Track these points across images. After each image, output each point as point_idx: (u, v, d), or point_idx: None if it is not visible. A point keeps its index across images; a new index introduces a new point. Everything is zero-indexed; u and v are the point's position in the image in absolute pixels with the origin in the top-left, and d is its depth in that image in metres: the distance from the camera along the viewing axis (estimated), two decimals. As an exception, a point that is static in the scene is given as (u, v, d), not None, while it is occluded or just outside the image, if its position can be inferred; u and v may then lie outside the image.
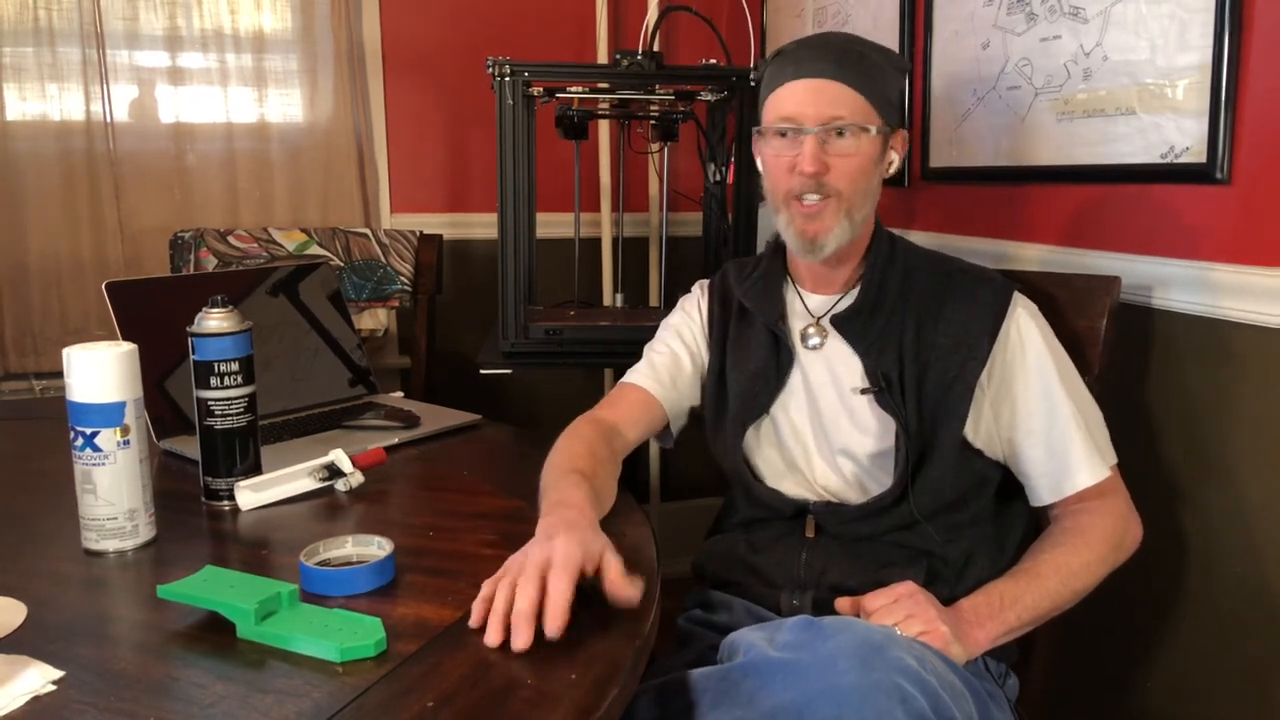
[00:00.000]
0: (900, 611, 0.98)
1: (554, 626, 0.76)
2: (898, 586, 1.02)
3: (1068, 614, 1.07)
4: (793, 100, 1.14)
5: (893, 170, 1.20)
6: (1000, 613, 1.01)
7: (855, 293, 1.19)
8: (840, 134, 1.12)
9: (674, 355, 1.28)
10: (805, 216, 1.14)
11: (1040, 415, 1.11)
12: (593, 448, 1.12)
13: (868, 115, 1.13)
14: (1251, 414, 1.21)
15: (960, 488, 1.13)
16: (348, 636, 0.76)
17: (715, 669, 0.91)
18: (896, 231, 1.24)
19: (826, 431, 1.17)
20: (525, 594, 0.78)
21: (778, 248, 1.26)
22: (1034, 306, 1.16)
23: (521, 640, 0.76)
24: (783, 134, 1.14)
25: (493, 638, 0.77)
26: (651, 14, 2.31)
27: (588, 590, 0.83)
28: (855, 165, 1.13)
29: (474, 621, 0.79)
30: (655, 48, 2.35)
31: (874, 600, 1.01)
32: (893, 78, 1.18)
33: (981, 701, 0.97)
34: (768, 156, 1.18)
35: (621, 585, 0.82)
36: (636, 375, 1.27)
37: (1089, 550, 1.06)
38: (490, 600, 0.80)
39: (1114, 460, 1.13)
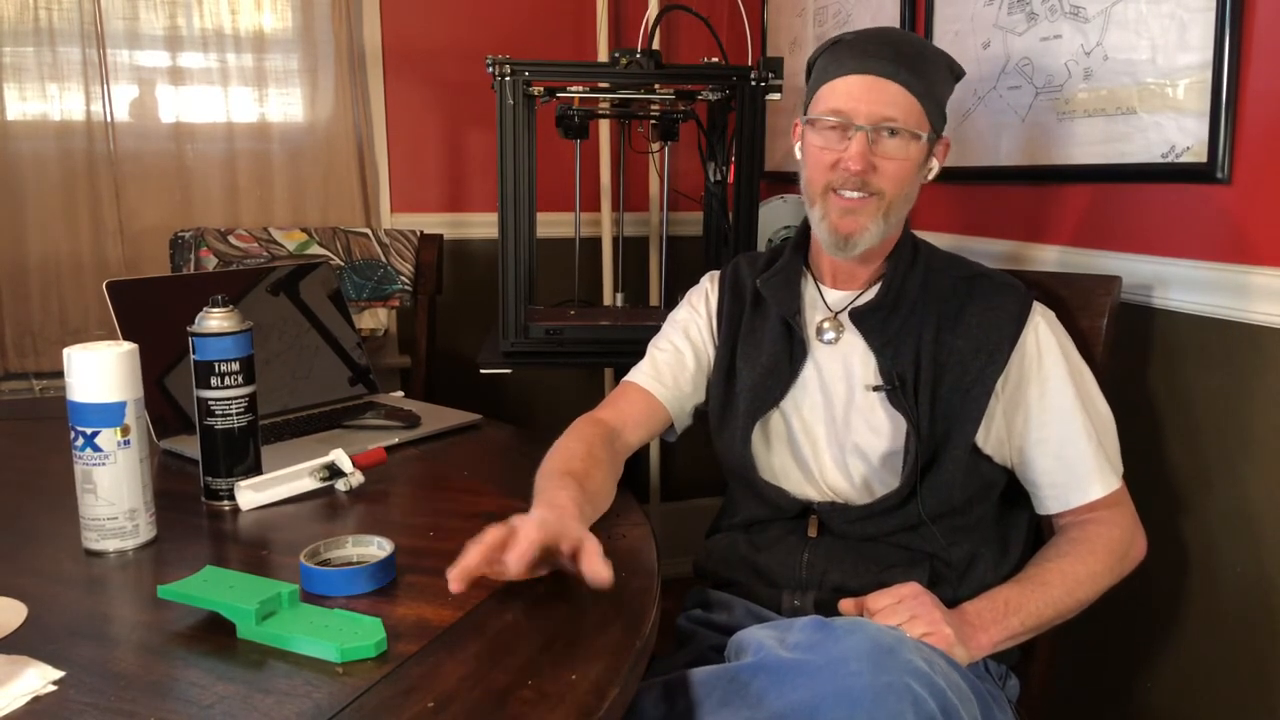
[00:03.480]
0: (904, 612, 0.98)
1: (513, 555, 0.83)
2: (902, 587, 1.01)
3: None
4: (847, 94, 1.11)
5: (931, 176, 1.18)
6: (1004, 618, 1.01)
7: (875, 289, 1.18)
8: (891, 135, 1.11)
9: (678, 352, 1.27)
10: (842, 211, 1.12)
11: (1053, 425, 1.11)
12: (591, 449, 1.11)
13: (920, 121, 1.12)
14: (1251, 413, 1.21)
15: (967, 491, 1.13)
16: (348, 637, 0.76)
17: (723, 667, 0.90)
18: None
19: (837, 428, 1.17)
20: (489, 534, 0.85)
21: (799, 243, 1.25)
22: (1052, 315, 1.16)
23: (467, 559, 0.83)
24: (831, 126, 1.12)
25: (455, 586, 0.83)
26: (651, 12, 2.31)
27: (566, 573, 0.88)
28: (901, 169, 1.12)
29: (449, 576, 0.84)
30: (655, 47, 2.36)
31: (878, 600, 1.00)
32: (946, 82, 1.17)
33: (984, 703, 0.97)
34: (811, 147, 1.15)
35: (597, 564, 0.84)
36: (639, 375, 1.26)
37: (1095, 560, 1.06)
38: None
39: (1122, 471, 1.13)
